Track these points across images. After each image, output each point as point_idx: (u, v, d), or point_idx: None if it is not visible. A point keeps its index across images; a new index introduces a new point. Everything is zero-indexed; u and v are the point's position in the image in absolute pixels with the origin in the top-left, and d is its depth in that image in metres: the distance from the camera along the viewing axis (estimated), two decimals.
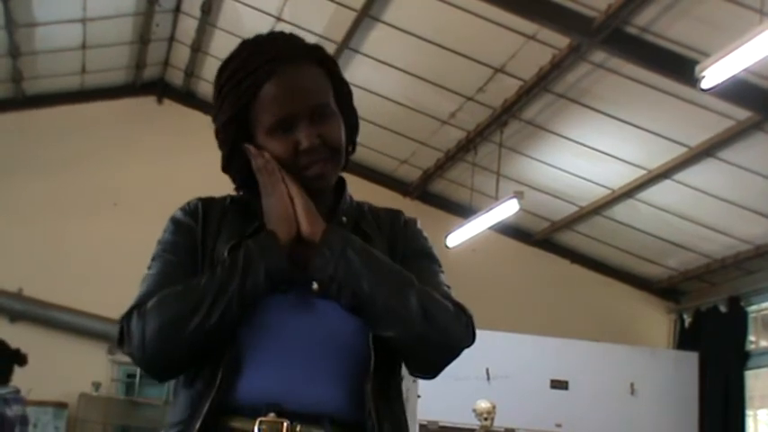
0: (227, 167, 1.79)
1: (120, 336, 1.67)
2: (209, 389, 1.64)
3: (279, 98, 1.68)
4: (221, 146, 1.77)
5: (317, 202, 1.75)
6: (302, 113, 1.69)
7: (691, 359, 10.07)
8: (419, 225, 1.87)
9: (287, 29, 8.63)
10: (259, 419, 1.60)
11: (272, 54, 1.69)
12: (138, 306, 1.66)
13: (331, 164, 1.73)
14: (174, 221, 1.78)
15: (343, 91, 1.78)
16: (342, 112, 1.76)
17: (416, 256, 1.80)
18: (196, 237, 1.74)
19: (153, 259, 1.75)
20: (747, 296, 9.98)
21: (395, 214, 1.87)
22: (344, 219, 1.78)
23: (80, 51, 9.72)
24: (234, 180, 1.81)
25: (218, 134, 1.77)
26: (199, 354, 1.64)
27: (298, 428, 1.60)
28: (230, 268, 1.63)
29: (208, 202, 1.79)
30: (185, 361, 1.65)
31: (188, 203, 1.80)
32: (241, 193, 1.82)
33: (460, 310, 1.71)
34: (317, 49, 1.76)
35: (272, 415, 1.60)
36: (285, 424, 1.60)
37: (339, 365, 1.67)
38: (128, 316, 1.66)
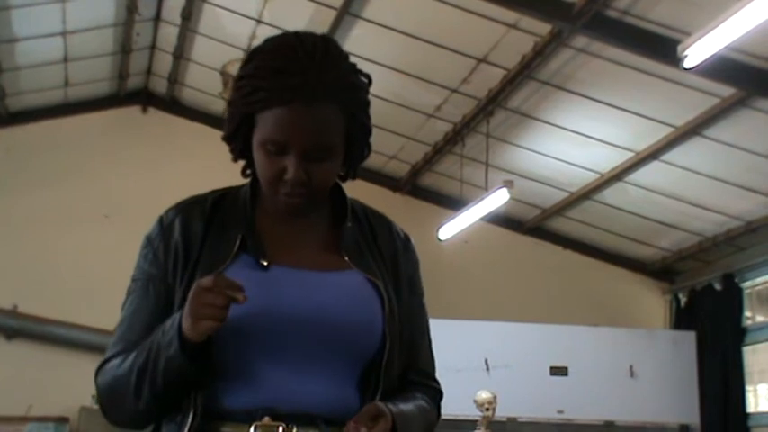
0: (228, 140, 1.76)
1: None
2: (195, 396, 1.62)
3: (281, 124, 1.63)
4: (227, 123, 1.74)
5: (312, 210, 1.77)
6: (297, 147, 1.63)
7: (688, 338, 10.09)
8: (413, 243, 1.88)
9: (268, 31, 8.50)
10: (254, 424, 1.56)
11: (298, 81, 1.61)
12: (103, 364, 1.75)
13: (310, 200, 1.70)
14: (149, 243, 1.75)
15: (356, 131, 1.72)
16: (349, 146, 1.72)
17: (413, 292, 1.83)
18: (168, 265, 1.71)
19: (128, 292, 1.77)
20: (741, 272, 10.00)
21: (389, 225, 1.86)
22: (349, 224, 1.78)
23: (62, 65, 9.67)
24: (232, 151, 1.77)
25: (228, 107, 1.76)
26: (154, 409, 1.67)
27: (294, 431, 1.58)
28: (151, 349, 1.64)
29: (187, 212, 1.75)
30: (141, 420, 1.71)
31: (167, 214, 1.76)
32: (224, 188, 1.81)
33: (439, 394, 1.90)
34: (346, 90, 1.67)
35: (266, 419, 1.57)
36: (281, 428, 1.57)
37: (334, 360, 1.65)
38: (97, 371, 1.76)
